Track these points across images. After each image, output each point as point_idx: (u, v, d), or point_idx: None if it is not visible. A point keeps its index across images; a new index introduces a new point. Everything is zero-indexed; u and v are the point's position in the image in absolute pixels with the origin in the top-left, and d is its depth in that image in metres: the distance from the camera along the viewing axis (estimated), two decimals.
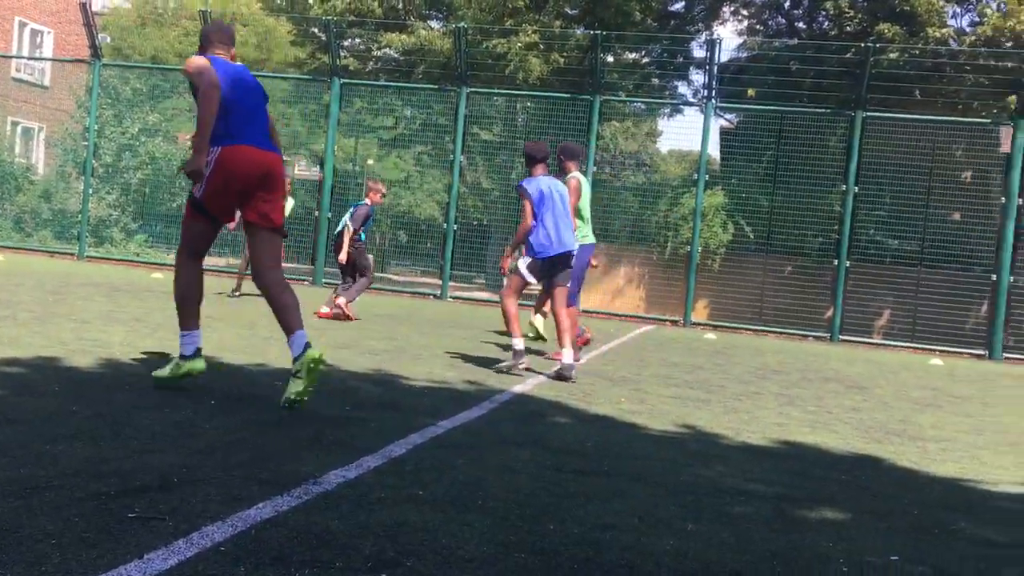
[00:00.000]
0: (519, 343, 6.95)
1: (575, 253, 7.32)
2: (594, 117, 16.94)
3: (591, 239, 8.66)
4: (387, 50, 22.48)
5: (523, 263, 7.11)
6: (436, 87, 19.25)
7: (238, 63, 5.17)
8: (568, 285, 7.32)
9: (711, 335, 14.76)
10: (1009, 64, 16.72)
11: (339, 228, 10.95)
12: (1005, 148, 16.81)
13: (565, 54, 19.93)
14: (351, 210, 11.06)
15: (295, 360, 4.73)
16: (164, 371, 4.94)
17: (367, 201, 11.02)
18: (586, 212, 8.57)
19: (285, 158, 22.01)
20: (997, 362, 15.15)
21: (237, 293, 12.59)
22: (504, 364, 7.00)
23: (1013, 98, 16.59)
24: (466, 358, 7.67)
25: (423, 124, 20.72)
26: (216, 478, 3.20)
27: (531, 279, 7.12)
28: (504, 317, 7.06)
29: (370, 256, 11.29)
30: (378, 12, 22.25)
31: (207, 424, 4.08)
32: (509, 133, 21.51)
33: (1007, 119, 16.56)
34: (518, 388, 6.18)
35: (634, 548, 2.89)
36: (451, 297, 17.53)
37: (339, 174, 19.56)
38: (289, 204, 13.45)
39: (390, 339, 8.70)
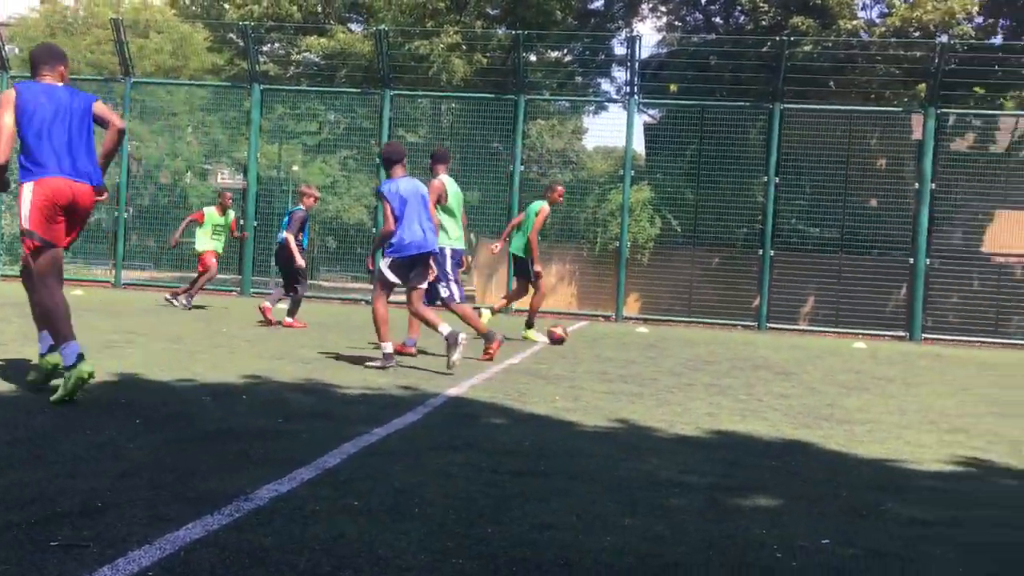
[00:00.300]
0: (388, 347, 7.20)
1: (436, 253, 7.58)
2: (519, 116, 17.00)
3: (461, 244, 8.73)
4: (307, 54, 22.20)
5: (384, 263, 7.27)
6: (359, 90, 19.10)
7: (59, 84, 5.09)
8: (423, 287, 7.53)
9: (643, 329, 14.93)
10: (917, 53, 17.28)
11: (280, 239, 11.00)
12: (917, 135, 17.37)
13: (488, 54, 19.95)
14: (286, 217, 11.05)
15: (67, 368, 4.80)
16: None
17: (302, 206, 11.00)
18: (458, 215, 8.70)
19: (206, 166, 21.48)
20: (917, 343, 15.64)
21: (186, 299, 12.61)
22: (374, 363, 7.24)
23: (923, 86, 17.16)
24: (400, 363, 7.60)
25: (347, 128, 20.53)
26: (142, 500, 3.11)
27: (394, 279, 7.28)
28: (373, 320, 7.25)
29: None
30: (297, 16, 21.97)
31: (132, 444, 3.97)
32: (435, 135, 21.43)
33: (918, 107, 17.12)
34: (452, 391, 6.16)
35: (572, 547, 2.90)
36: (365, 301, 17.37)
37: (263, 181, 19.27)
38: (231, 215, 13.31)
39: (322, 347, 8.58)
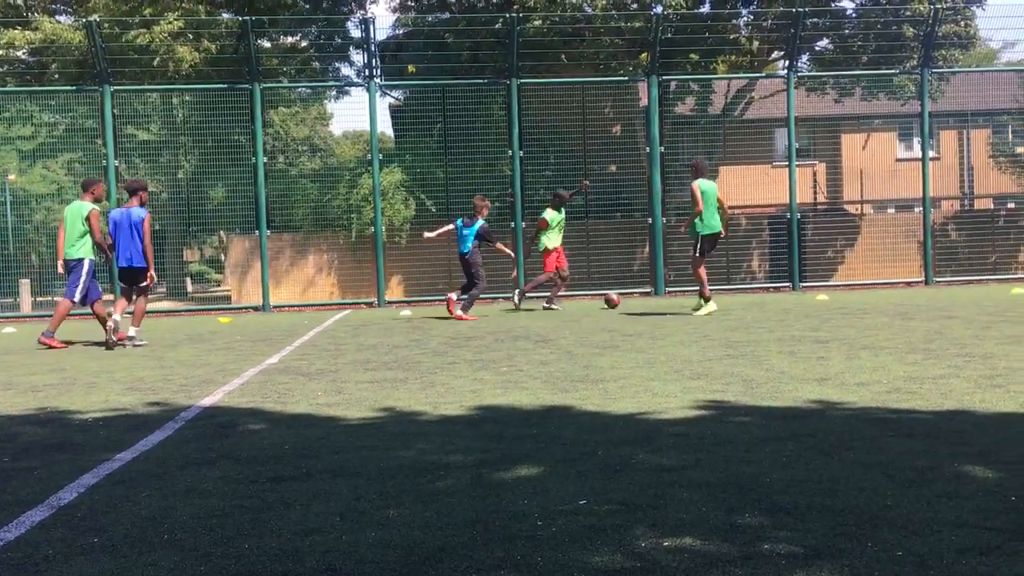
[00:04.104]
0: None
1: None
2: (256, 105, 16.36)
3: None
4: (11, 51, 20.14)
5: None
6: (74, 88, 17.60)
7: None
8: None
9: (407, 311, 14.92)
10: (637, 24, 18.31)
11: (465, 249, 12.82)
12: (644, 102, 18.47)
13: (218, 42, 19.00)
14: (470, 231, 12.73)
15: None
16: None
17: (480, 219, 12.66)
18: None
19: None
20: (662, 297, 16.70)
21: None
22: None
23: (645, 55, 18.24)
24: (147, 378, 7.12)
25: (69, 129, 18.90)
26: None
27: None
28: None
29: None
30: None
31: None
32: (169, 130, 20.23)
33: (642, 75, 18.18)
34: (207, 401, 5.84)
35: (336, 549, 2.82)
36: (128, 312, 16.21)
37: None
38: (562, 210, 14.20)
39: (57, 370, 7.87)
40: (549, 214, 14.00)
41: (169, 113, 19.90)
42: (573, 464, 3.81)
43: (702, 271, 11.53)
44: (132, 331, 10.05)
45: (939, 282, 17.91)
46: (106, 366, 8.07)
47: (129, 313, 10.45)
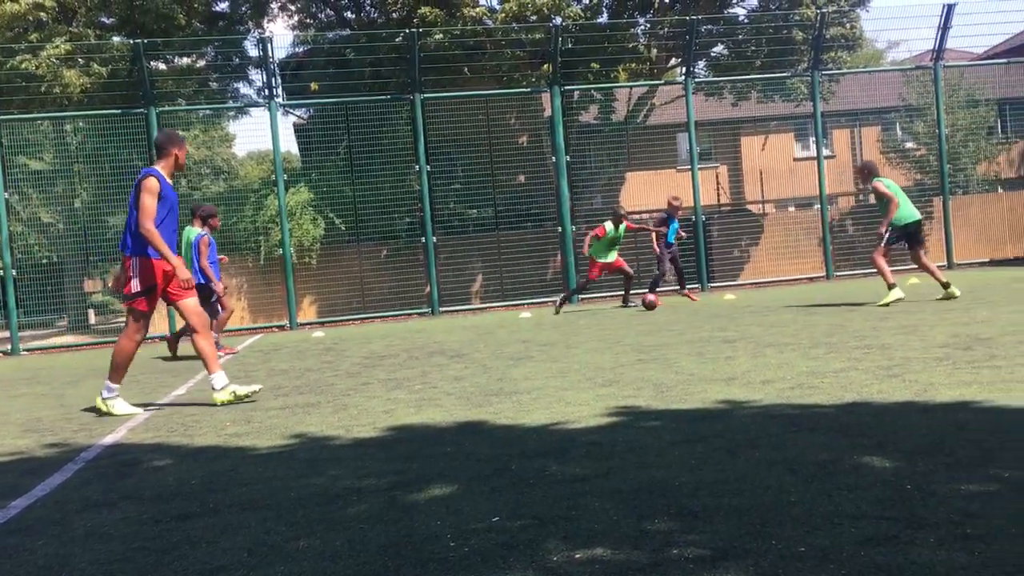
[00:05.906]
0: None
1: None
2: (153, 129, 15.93)
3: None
4: None
5: None
6: None
7: None
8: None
9: (319, 333, 14.71)
10: (537, 36, 18.49)
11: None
12: (548, 112, 18.65)
13: (109, 66, 18.46)
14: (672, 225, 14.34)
15: None
16: None
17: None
18: None
19: None
20: (575, 304, 16.84)
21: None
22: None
23: (547, 66, 18.42)
24: (45, 418, 6.84)
25: None
26: None
27: None
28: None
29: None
30: None
31: None
32: (63, 159, 19.53)
33: (545, 86, 18.36)
34: (109, 439, 5.63)
35: None
36: (25, 350, 15.61)
37: None
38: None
39: None
40: (609, 226, 14.41)
41: (62, 141, 19.22)
42: (487, 480, 3.79)
43: (880, 259, 10.95)
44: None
45: (840, 276, 18.53)
46: (1, 408, 7.72)
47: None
